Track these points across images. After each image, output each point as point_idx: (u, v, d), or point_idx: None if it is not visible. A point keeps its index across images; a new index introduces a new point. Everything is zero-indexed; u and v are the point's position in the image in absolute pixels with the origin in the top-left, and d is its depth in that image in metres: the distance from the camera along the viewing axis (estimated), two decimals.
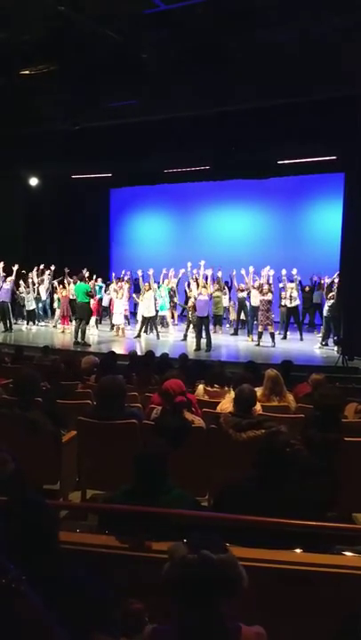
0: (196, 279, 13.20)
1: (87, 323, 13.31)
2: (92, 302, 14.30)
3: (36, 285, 15.70)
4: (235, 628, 1.51)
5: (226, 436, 3.94)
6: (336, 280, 13.01)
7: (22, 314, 15.88)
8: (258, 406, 4.61)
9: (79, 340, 12.68)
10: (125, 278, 15.75)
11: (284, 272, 13.67)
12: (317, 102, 10.39)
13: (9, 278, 14.52)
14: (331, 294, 12.78)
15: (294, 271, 13.77)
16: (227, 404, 5.01)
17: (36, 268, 15.92)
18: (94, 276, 15.81)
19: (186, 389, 4.40)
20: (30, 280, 15.56)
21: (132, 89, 10.46)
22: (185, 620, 1.48)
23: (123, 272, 16.47)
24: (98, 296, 15.19)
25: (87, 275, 14.78)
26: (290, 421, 4.38)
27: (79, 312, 13.12)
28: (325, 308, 12.97)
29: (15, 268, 14.58)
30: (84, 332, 12.83)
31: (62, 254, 17.43)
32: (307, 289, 14.97)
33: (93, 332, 14.36)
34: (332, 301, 12.70)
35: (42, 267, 16.01)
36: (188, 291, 14.02)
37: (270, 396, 5.41)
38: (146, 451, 2.73)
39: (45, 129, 12.36)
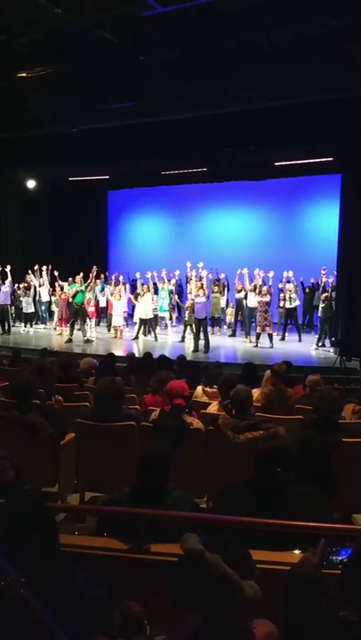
0: (190, 279, 13.29)
1: (83, 323, 13.68)
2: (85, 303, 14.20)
3: (38, 288, 15.47)
4: (247, 629, 1.49)
5: (224, 437, 3.95)
6: (325, 280, 13.03)
7: (20, 316, 15.81)
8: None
9: (70, 336, 13.45)
10: (120, 279, 15.66)
11: (285, 274, 13.68)
12: (314, 104, 10.39)
13: (8, 281, 14.48)
14: (324, 296, 12.76)
15: (290, 273, 13.79)
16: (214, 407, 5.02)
17: (31, 271, 15.52)
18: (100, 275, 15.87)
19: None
20: (32, 283, 15.39)
21: (130, 91, 10.44)
22: (198, 621, 1.46)
23: (115, 275, 16.37)
24: (90, 296, 14.96)
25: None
26: (288, 423, 4.39)
27: (72, 312, 13.72)
28: (319, 310, 12.96)
29: (8, 268, 14.55)
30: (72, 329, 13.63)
31: (60, 257, 17.35)
32: (307, 290, 14.99)
33: (93, 335, 14.31)
34: (324, 303, 12.68)
35: (36, 267, 15.49)
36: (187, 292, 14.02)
37: None
38: (151, 451, 2.72)
39: (43, 131, 12.35)
